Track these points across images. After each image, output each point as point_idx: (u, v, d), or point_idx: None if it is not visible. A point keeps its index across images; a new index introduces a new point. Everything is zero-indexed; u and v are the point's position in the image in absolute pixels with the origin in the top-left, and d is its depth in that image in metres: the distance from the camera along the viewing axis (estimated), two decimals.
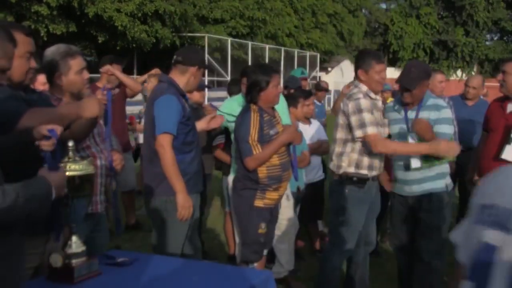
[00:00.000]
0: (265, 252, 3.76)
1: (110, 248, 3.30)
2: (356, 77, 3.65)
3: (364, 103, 3.51)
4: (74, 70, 2.83)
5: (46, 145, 2.04)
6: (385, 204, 4.44)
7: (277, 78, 3.56)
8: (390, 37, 39.99)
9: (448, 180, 3.70)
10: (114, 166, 2.99)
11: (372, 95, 3.61)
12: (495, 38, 42.42)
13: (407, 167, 3.61)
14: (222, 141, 4.64)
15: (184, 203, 3.23)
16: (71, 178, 2.23)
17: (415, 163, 3.59)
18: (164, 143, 3.17)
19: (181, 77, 3.35)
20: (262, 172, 3.50)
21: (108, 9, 16.71)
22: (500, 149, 3.63)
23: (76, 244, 2.31)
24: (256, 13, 24.01)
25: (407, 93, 3.57)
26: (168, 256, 3.08)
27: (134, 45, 18.83)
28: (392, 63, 38.55)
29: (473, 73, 36.37)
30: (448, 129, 3.59)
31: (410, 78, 3.55)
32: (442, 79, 5.59)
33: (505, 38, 41.73)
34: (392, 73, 28.35)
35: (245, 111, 3.55)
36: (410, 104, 3.63)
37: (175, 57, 3.46)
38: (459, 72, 39.99)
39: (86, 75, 2.90)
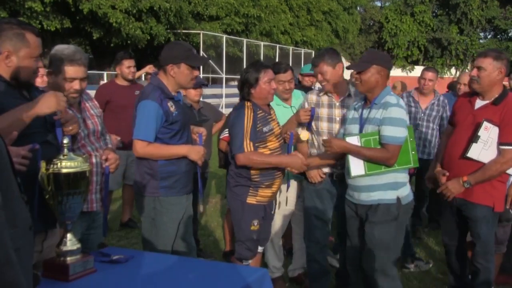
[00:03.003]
0: (260, 249, 3.76)
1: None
2: None
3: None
4: (64, 76, 2.82)
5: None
6: None
7: (269, 74, 3.48)
8: (385, 35, 40.02)
9: (403, 192, 3.30)
10: (109, 166, 2.97)
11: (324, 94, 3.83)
12: (489, 36, 42.54)
13: (348, 174, 3.36)
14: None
15: (192, 155, 3.28)
16: (67, 175, 2.23)
17: (355, 170, 3.29)
18: (138, 149, 3.21)
19: (165, 78, 3.28)
20: (255, 168, 3.49)
21: (102, 6, 16.64)
22: (467, 147, 3.47)
23: (71, 242, 2.31)
24: (251, 10, 23.98)
25: (357, 80, 3.31)
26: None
27: (128, 41, 18.76)
28: None
29: (466, 70, 36.43)
30: (392, 131, 3.19)
31: (359, 61, 3.36)
32: (432, 77, 5.60)
33: (498, 36, 41.86)
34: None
35: (239, 108, 3.54)
36: (367, 101, 3.37)
37: None
38: (453, 70, 40.08)
39: (76, 85, 2.85)
